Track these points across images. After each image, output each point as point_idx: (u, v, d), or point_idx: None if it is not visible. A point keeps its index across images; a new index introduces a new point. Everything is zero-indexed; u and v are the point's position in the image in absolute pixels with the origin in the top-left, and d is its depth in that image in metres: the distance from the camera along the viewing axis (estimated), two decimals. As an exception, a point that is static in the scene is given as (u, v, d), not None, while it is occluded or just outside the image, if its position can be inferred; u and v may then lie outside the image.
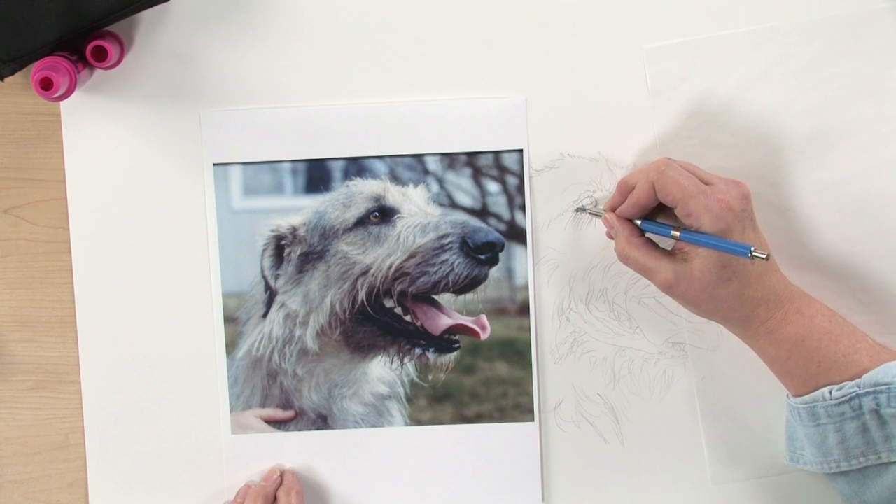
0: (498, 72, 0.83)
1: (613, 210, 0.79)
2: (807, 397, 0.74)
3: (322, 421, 0.85)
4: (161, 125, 0.83)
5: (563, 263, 0.84)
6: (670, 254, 0.76)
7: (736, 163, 0.82)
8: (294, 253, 0.83)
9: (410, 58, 0.83)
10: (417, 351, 0.84)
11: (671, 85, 0.82)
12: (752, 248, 0.70)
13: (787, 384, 0.77)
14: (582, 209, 0.83)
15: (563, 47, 0.82)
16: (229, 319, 0.84)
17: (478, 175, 0.83)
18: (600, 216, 0.81)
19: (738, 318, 0.75)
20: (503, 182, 0.83)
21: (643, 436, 0.85)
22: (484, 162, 0.83)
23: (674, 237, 0.75)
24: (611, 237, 0.80)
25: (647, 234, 0.78)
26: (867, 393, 0.71)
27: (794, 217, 0.83)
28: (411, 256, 0.82)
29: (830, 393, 0.72)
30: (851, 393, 0.71)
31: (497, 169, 0.83)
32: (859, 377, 0.72)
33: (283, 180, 0.83)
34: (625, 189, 0.78)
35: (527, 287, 0.84)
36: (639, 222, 0.78)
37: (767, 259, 0.71)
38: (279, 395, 0.84)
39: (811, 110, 0.82)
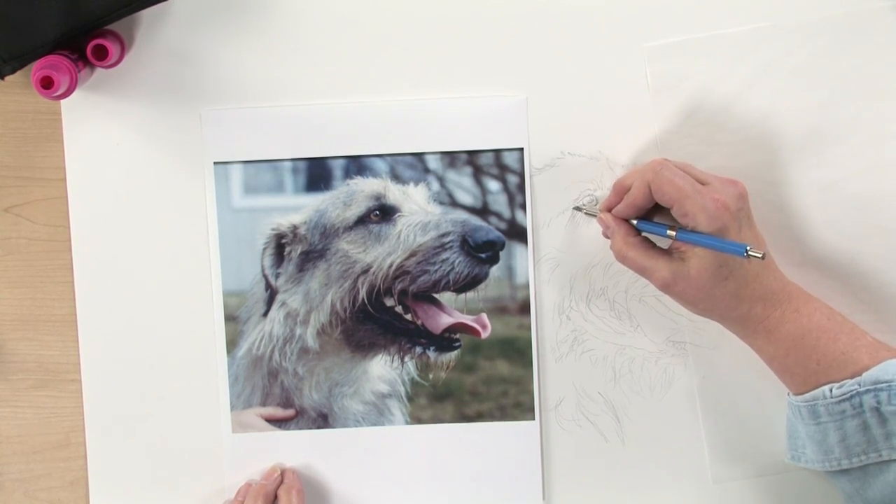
0: (498, 70, 0.83)
1: (609, 210, 0.79)
2: (807, 395, 0.74)
3: (323, 419, 0.85)
4: (162, 124, 0.83)
5: (563, 262, 0.84)
6: (667, 253, 0.76)
7: (736, 161, 0.82)
8: (295, 251, 0.83)
9: (411, 56, 0.83)
10: (418, 349, 0.84)
11: (671, 83, 0.82)
12: (748, 248, 0.70)
13: (786, 382, 0.77)
14: (578, 209, 0.83)
15: (563, 46, 0.82)
16: (230, 318, 0.84)
17: (478, 174, 0.83)
18: (596, 216, 0.81)
19: (735, 316, 0.76)
20: (504, 181, 0.83)
21: (644, 434, 0.85)
22: (484, 160, 0.83)
23: (670, 237, 0.75)
24: (607, 237, 0.80)
25: (644, 234, 0.78)
26: (867, 391, 0.71)
27: (794, 216, 0.83)
28: (412, 255, 0.82)
29: (831, 391, 0.72)
30: (852, 391, 0.71)
31: (497, 167, 0.83)
32: (859, 375, 0.72)
33: (284, 179, 0.83)
34: (620, 189, 0.78)
35: (527, 286, 0.84)
36: (635, 222, 0.78)
37: (763, 258, 0.71)
38: (280, 393, 0.84)
39: (811, 109, 0.82)
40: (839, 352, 0.73)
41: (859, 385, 0.71)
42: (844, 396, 0.72)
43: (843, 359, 0.73)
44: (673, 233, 0.74)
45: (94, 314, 0.84)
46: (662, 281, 0.75)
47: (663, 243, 0.78)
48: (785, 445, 0.81)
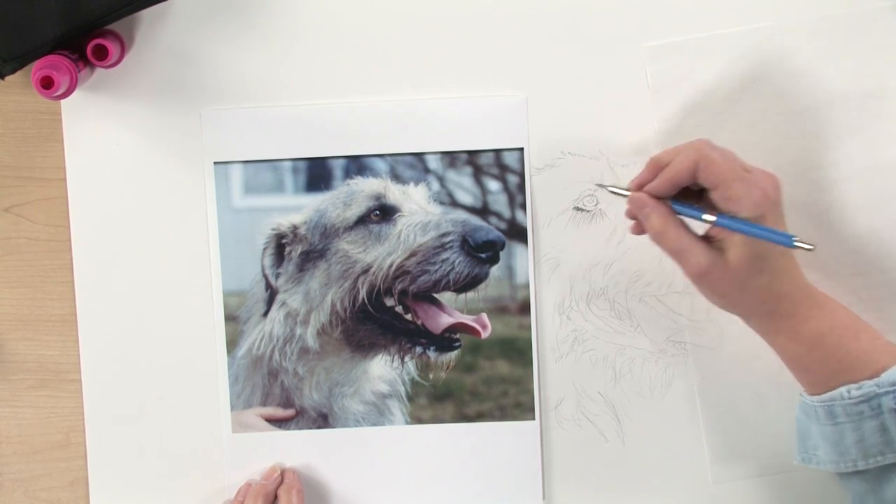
0: (498, 70, 0.83)
1: (639, 189, 0.75)
2: (825, 396, 0.73)
3: (323, 419, 0.85)
4: (162, 124, 0.83)
5: (563, 262, 0.84)
6: (705, 239, 0.73)
7: (736, 161, 0.82)
8: (295, 251, 0.83)
9: (411, 56, 0.83)
10: (418, 349, 0.84)
11: (672, 83, 0.82)
12: (795, 237, 0.69)
13: (803, 382, 0.76)
14: (602, 185, 0.79)
15: (563, 46, 0.82)
16: (230, 318, 0.84)
17: (478, 173, 0.83)
18: (624, 195, 0.76)
19: (763, 312, 0.74)
20: (504, 180, 0.83)
21: (644, 434, 0.85)
22: (484, 160, 0.83)
23: (706, 221, 0.72)
24: (632, 217, 0.76)
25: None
26: (886, 392, 0.70)
27: (794, 215, 0.83)
28: (412, 255, 0.82)
29: (849, 392, 0.72)
30: (871, 392, 0.71)
31: (498, 167, 0.83)
32: (878, 375, 0.71)
33: (284, 179, 0.83)
34: (655, 167, 0.74)
35: (527, 285, 0.84)
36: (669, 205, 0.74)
37: (813, 249, 0.69)
38: (280, 393, 0.84)
39: (811, 109, 0.82)
40: (861, 350, 0.72)
41: (878, 386, 0.71)
42: (863, 398, 0.71)
43: (864, 358, 0.72)
44: (711, 217, 0.71)
45: (94, 314, 0.84)
46: (698, 267, 0.72)
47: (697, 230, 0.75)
48: (794, 447, 0.79)
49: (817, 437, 0.76)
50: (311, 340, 0.84)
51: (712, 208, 0.72)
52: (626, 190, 0.75)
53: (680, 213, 0.74)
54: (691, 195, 0.74)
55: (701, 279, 0.73)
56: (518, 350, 0.84)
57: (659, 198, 0.74)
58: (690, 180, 0.72)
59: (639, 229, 0.76)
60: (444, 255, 0.82)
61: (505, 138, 0.83)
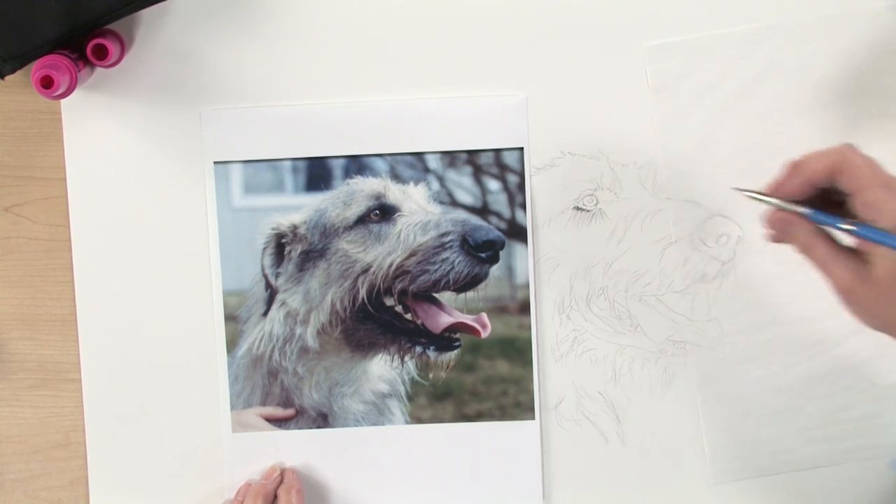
0: (499, 70, 0.83)
1: (778, 191, 0.69)
2: None
3: (322, 419, 0.85)
4: (162, 123, 0.83)
5: (563, 261, 0.84)
6: (850, 252, 0.67)
7: (736, 161, 0.82)
8: (295, 251, 0.83)
9: (411, 56, 0.83)
10: (418, 349, 0.84)
11: (672, 83, 0.82)
12: None
13: None
14: (739, 189, 0.71)
15: (563, 45, 0.82)
16: (230, 318, 0.84)
17: (478, 173, 0.83)
18: (765, 201, 0.69)
19: None
20: (504, 180, 0.83)
21: (644, 434, 0.85)
22: (484, 160, 0.83)
23: (843, 230, 0.66)
24: (771, 228, 0.69)
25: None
26: None
27: (795, 215, 0.83)
28: (412, 255, 0.82)
29: None
30: None
31: (497, 167, 0.83)
32: None
33: (284, 178, 0.83)
34: (794, 170, 0.68)
35: (527, 285, 0.84)
36: (809, 212, 0.68)
37: None
38: (280, 393, 0.84)
39: (812, 108, 0.82)
40: None
41: None
42: None
43: None
44: (849, 227, 0.65)
45: (94, 314, 0.84)
46: (845, 282, 0.66)
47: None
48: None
49: None
50: (310, 340, 0.84)
51: (855, 218, 0.66)
52: (762, 194, 0.69)
53: (819, 223, 0.68)
54: (834, 206, 0.68)
55: (847, 295, 0.67)
56: (518, 350, 0.84)
57: (798, 201, 0.68)
58: (827, 182, 0.67)
59: (777, 238, 0.71)
60: (444, 255, 0.82)
61: (505, 138, 0.83)
